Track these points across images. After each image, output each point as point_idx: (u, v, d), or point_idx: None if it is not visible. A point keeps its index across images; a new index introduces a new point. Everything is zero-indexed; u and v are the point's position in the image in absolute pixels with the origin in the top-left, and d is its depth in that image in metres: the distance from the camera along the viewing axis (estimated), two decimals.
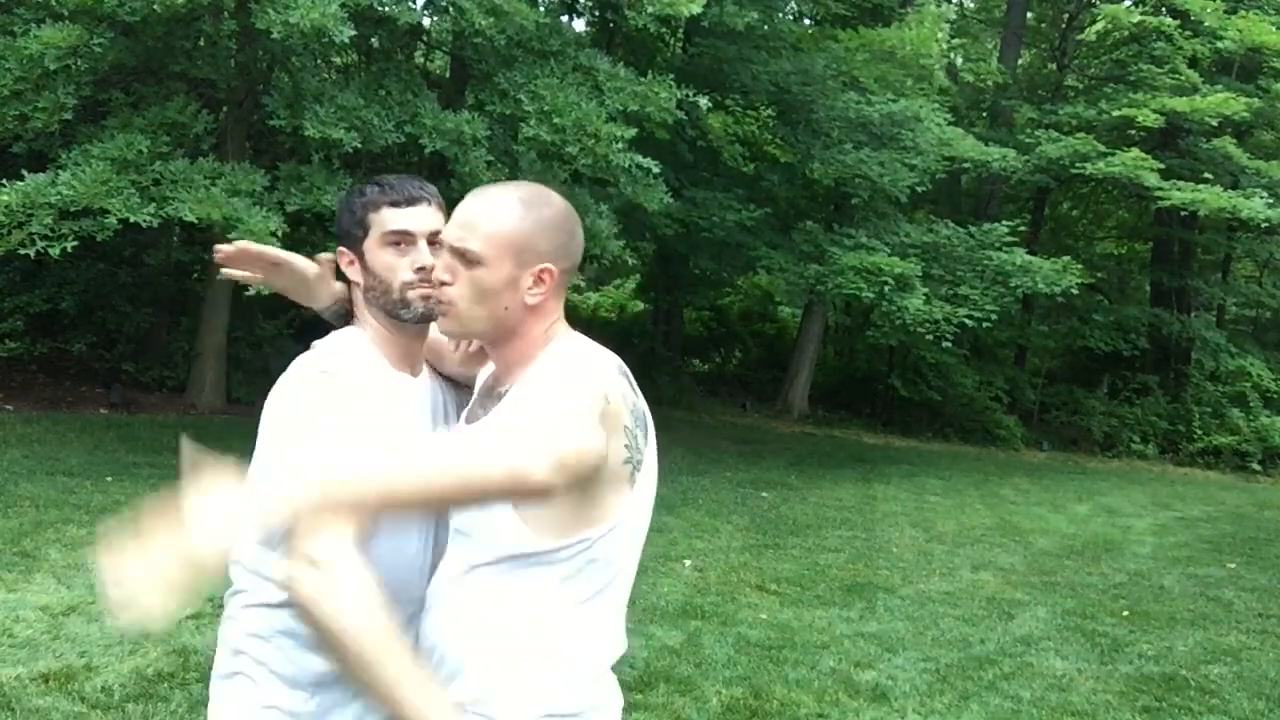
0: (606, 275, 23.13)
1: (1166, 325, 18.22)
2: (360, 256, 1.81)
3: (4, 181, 7.72)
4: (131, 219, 7.85)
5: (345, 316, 1.87)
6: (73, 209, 7.72)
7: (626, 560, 1.64)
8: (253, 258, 1.85)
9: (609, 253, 10.18)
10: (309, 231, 10.55)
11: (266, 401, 1.75)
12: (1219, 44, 16.02)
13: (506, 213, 1.61)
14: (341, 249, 1.83)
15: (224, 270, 1.89)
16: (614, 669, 1.67)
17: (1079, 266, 14.00)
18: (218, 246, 1.85)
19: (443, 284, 1.63)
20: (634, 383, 1.65)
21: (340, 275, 1.88)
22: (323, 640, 1.40)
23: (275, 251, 1.89)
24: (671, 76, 9.89)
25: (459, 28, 9.11)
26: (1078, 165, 15.37)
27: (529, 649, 1.57)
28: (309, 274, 1.88)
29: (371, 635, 1.37)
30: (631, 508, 1.61)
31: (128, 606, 1.30)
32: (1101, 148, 15.42)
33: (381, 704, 1.40)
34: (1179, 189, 14.77)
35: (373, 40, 11.00)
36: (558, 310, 1.67)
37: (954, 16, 19.91)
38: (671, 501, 8.66)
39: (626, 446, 1.56)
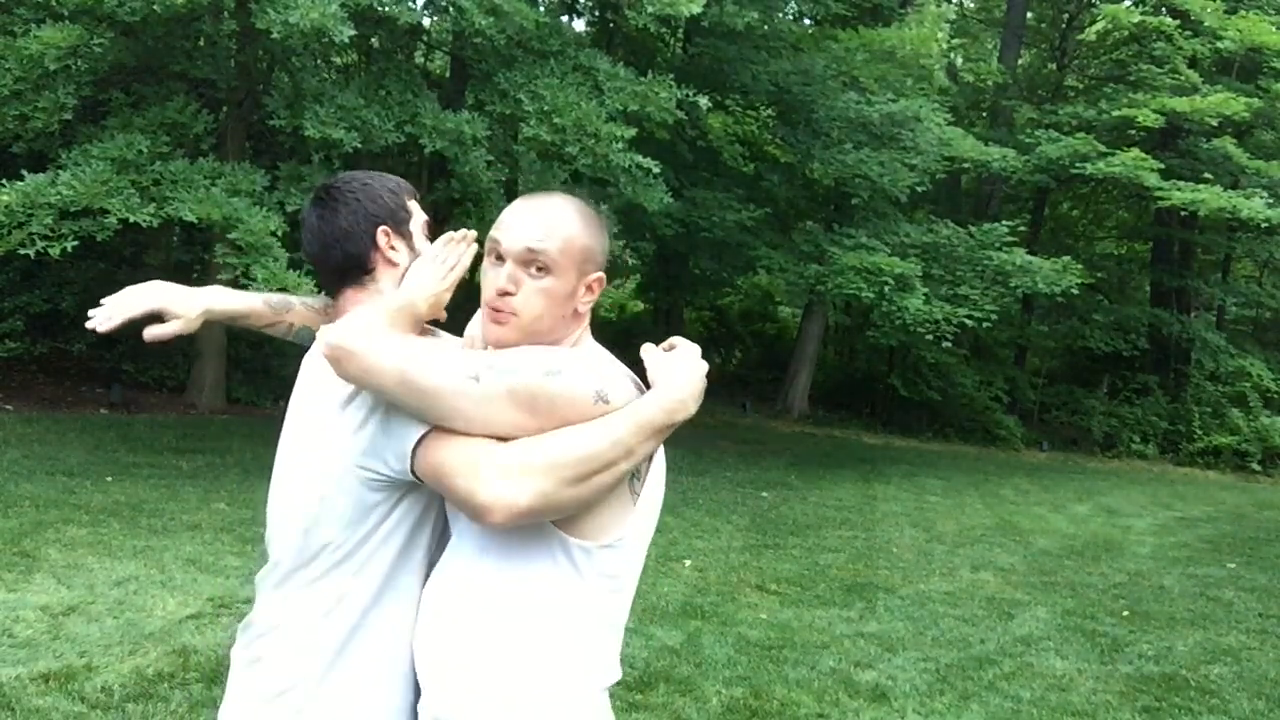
0: (607, 275, 23.13)
1: (1166, 325, 18.22)
2: (408, 237, 1.80)
3: (4, 181, 7.71)
4: (131, 219, 7.85)
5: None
6: (73, 209, 7.72)
7: (626, 580, 1.63)
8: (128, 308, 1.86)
9: (609, 253, 10.18)
10: None
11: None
12: (1219, 44, 16.02)
13: (573, 222, 1.64)
14: (386, 228, 1.78)
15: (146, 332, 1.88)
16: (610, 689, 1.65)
17: (1079, 266, 14.00)
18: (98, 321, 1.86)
19: (506, 294, 1.61)
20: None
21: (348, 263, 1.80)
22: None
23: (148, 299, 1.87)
24: (671, 76, 9.88)
25: (459, 28, 9.10)
26: (1078, 165, 15.37)
27: (515, 661, 1.56)
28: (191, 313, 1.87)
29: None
30: (634, 526, 1.61)
31: None
32: (1101, 148, 15.42)
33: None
34: (1179, 189, 14.77)
35: (373, 40, 10.99)
36: (584, 321, 1.71)
37: (954, 16, 19.91)
38: (671, 501, 8.63)
39: None
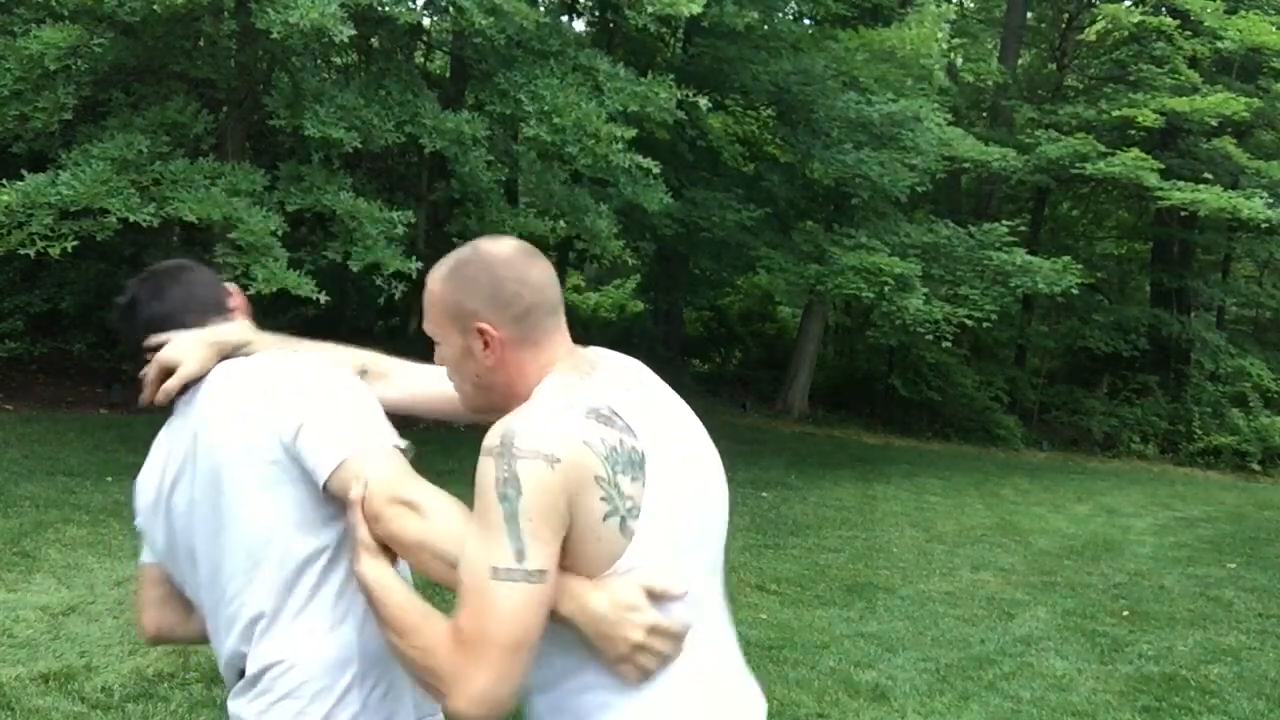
0: (606, 275, 23.12)
1: (1166, 325, 18.21)
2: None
3: (4, 181, 7.71)
4: (131, 219, 7.85)
5: None
6: (73, 209, 7.71)
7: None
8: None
9: (609, 253, 10.19)
10: (309, 231, 10.55)
11: None
12: (1219, 44, 16.01)
13: (437, 283, 1.58)
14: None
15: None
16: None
17: (1079, 266, 13.98)
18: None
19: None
20: (623, 417, 1.46)
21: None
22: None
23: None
24: (671, 76, 9.87)
25: (459, 28, 9.10)
26: (1078, 165, 15.37)
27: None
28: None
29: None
30: (637, 556, 1.48)
31: None
32: (1101, 148, 15.41)
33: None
34: (1179, 189, 14.77)
35: (373, 40, 10.99)
36: (538, 360, 1.54)
37: (954, 16, 19.87)
38: None
39: (603, 499, 1.42)
